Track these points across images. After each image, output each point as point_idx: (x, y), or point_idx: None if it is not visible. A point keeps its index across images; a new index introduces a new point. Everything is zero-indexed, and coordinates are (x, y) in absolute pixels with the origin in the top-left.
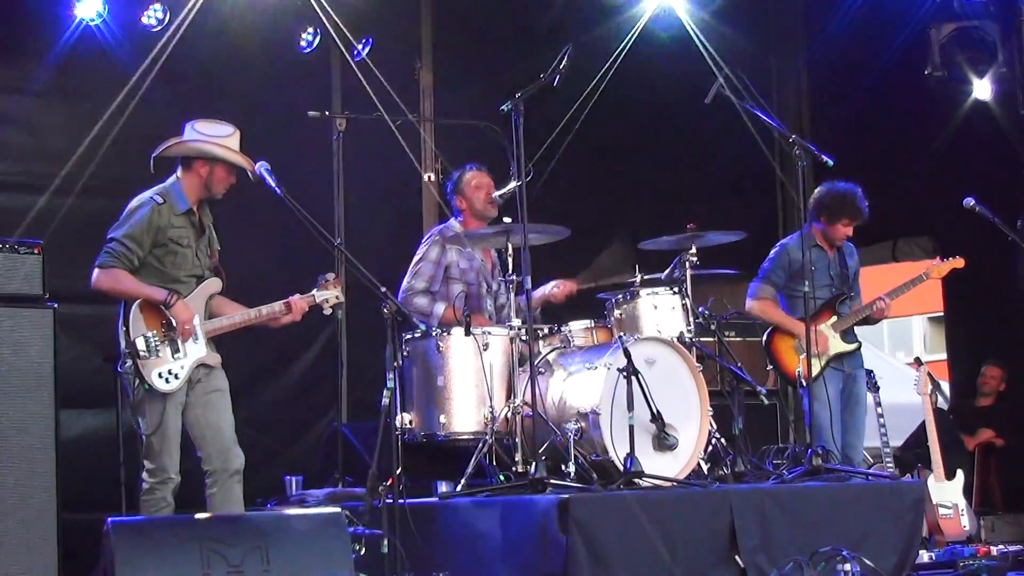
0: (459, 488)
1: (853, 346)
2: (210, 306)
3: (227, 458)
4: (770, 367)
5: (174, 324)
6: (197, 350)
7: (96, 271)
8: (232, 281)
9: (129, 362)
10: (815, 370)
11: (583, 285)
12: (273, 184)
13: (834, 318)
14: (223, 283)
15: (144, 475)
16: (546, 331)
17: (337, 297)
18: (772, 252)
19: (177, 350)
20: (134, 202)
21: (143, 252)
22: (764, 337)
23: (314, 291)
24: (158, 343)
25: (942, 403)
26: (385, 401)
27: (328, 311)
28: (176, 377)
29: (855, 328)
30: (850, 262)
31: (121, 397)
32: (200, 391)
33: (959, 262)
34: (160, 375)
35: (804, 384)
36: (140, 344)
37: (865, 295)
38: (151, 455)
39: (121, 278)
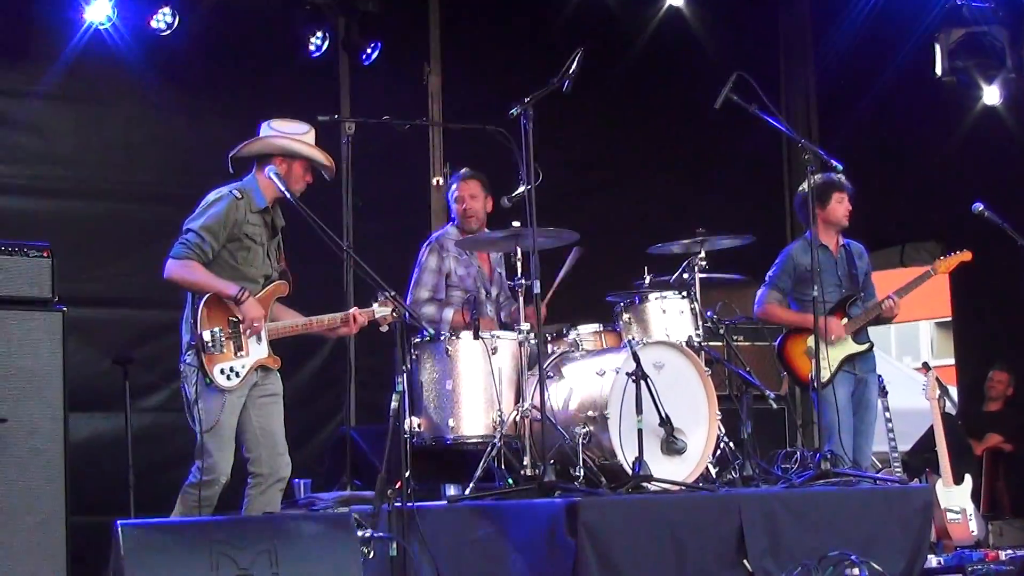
0: (467, 492)
1: (865, 346)
2: (275, 311)
3: (277, 465)
4: (783, 373)
5: (241, 321)
6: (259, 351)
7: (170, 261)
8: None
9: (193, 355)
10: (826, 375)
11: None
12: (282, 188)
13: (845, 319)
14: (291, 287)
15: (194, 469)
16: (555, 334)
17: (394, 314)
18: (777, 259)
19: (240, 348)
20: (212, 195)
21: (218, 245)
22: (777, 342)
23: (374, 305)
24: (223, 339)
25: (950, 408)
26: (394, 405)
27: (384, 328)
28: (237, 375)
29: (868, 330)
30: (859, 263)
31: (134, 399)
32: (257, 394)
33: (966, 255)
34: (222, 371)
35: (816, 387)
36: (207, 337)
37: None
38: (204, 454)
39: (196, 269)
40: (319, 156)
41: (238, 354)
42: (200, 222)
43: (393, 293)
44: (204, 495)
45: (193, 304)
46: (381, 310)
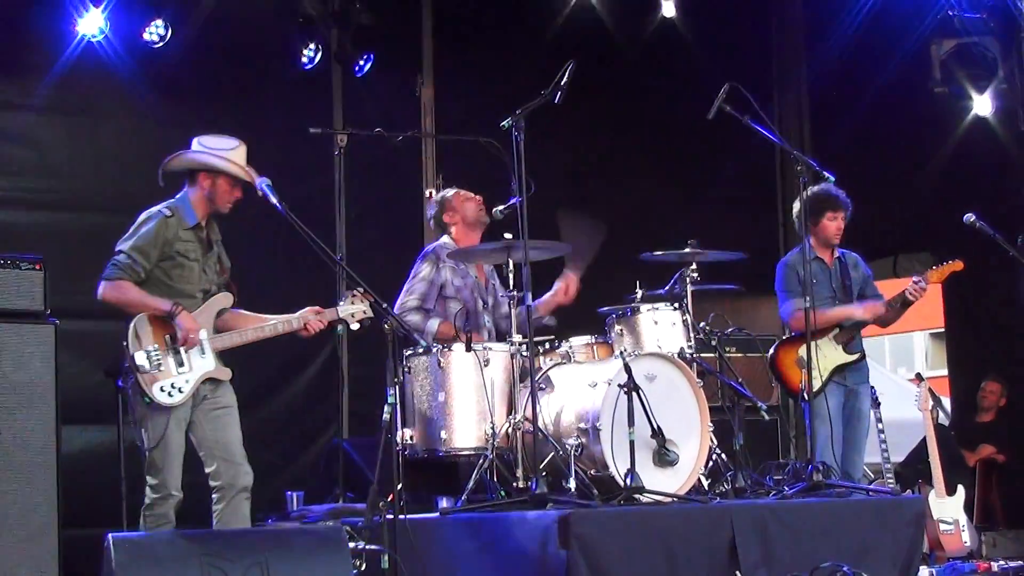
0: (460, 504)
1: (855, 356)
2: (227, 321)
3: (236, 474)
4: (774, 382)
5: (179, 335)
6: (204, 364)
7: (102, 283)
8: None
9: (131, 377)
10: (817, 384)
11: (580, 271)
12: (275, 200)
13: (836, 329)
14: (234, 298)
15: (147, 490)
16: (547, 346)
17: (364, 311)
18: (779, 273)
19: (182, 364)
20: (143, 215)
21: (149, 264)
22: (770, 352)
23: (338, 305)
24: (161, 357)
25: (943, 419)
26: (386, 417)
27: (355, 326)
28: (180, 391)
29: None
30: (853, 273)
31: (124, 413)
32: (207, 407)
33: (958, 264)
34: (162, 389)
35: (806, 398)
36: (140, 359)
37: None
38: (153, 471)
39: (127, 290)
40: (239, 172)
41: (180, 370)
42: (130, 243)
43: (386, 306)
44: (158, 512)
45: (127, 325)
46: (346, 308)
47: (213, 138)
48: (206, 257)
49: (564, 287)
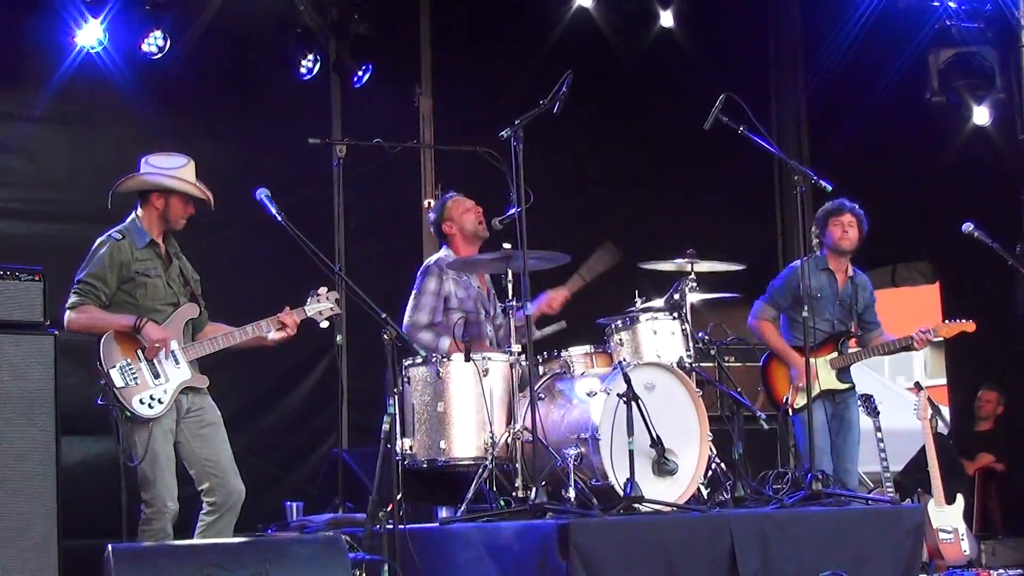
0: (459, 513)
1: (846, 386)
2: (202, 332)
3: (230, 491)
4: (761, 388)
5: (147, 347)
6: (180, 374)
7: (67, 313)
8: (231, 308)
9: (110, 394)
10: (803, 402)
11: (574, 289)
12: (273, 211)
13: (834, 354)
14: (200, 309)
15: (142, 507)
16: (546, 356)
17: (332, 308)
18: (783, 271)
19: (157, 375)
20: (96, 242)
21: (110, 289)
22: (762, 359)
23: (308, 303)
24: (135, 371)
25: (942, 428)
26: (385, 427)
27: (324, 324)
28: (159, 402)
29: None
30: (861, 295)
31: (114, 431)
32: (193, 425)
33: (970, 326)
34: (142, 401)
35: (790, 412)
36: (115, 375)
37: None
38: (145, 485)
39: (92, 312)
40: (191, 189)
41: (156, 381)
42: (87, 271)
43: (385, 316)
44: (155, 527)
45: (97, 345)
46: (313, 307)
47: (161, 157)
48: (168, 272)
49: (549, 300)
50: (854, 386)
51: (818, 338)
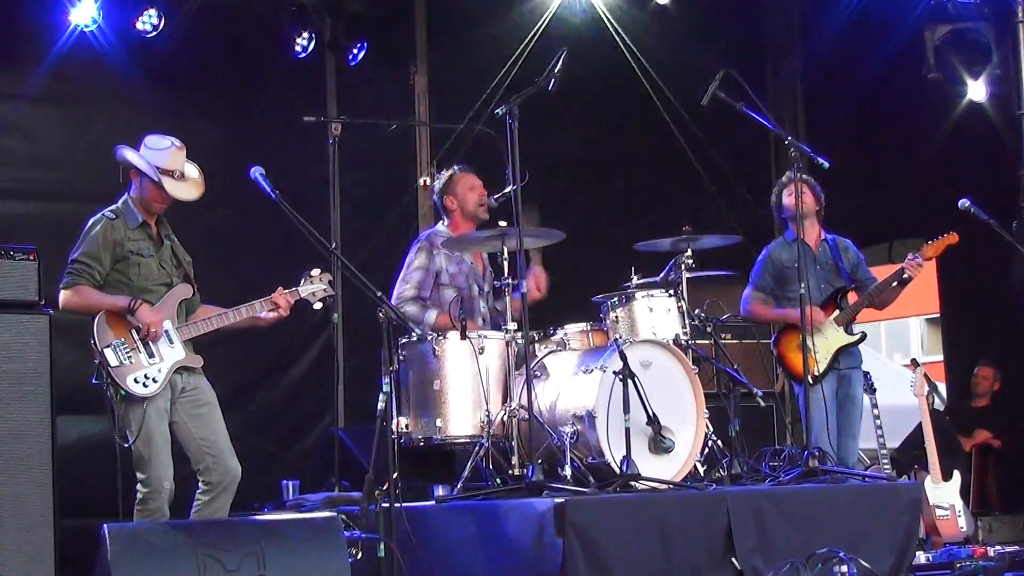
0: (455, 492)
1: (856, 336)
2: (195, 314)
3: (226, 470)
4: (779, 369)
5: (141, 329)
6: (174, 353)
7: (62, 292)
8: (227, 287)
9: (104, 373)
10: (823, 366)
11: (538, 262)
12: (268, 189)
13: (837, 312)
14: (193, 289)
15: (138, 486)
16: (542, 334)
17: (325, 290)
18: (758, 258)
19: (152, 355)
20: (90, 221)
21: (104, 268)
22: (773, 339)
23: (301, 283)
24: (129, 350)
25: (939, 404)
26: (381, 405)
27: (318, 305)
28: (154, 380)
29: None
30: (844, 256)
31: (109, 411)
32: (188, 405)
33: (953, 238)
34: (136, 380)
35: (812, 381)
36: (109, 354)
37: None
38: (141, 465)
39: (86, 293)
40: (152, 173)
41: (150, 360)
42: (81, 250)
43: (380, 295)
44: (151, 507)
45: (91, 325)
46: (307, 288)
47: (155, 138)
48: (160, 252)
49: (534, 284)
50: (864, 335)
51: (812, 302)
